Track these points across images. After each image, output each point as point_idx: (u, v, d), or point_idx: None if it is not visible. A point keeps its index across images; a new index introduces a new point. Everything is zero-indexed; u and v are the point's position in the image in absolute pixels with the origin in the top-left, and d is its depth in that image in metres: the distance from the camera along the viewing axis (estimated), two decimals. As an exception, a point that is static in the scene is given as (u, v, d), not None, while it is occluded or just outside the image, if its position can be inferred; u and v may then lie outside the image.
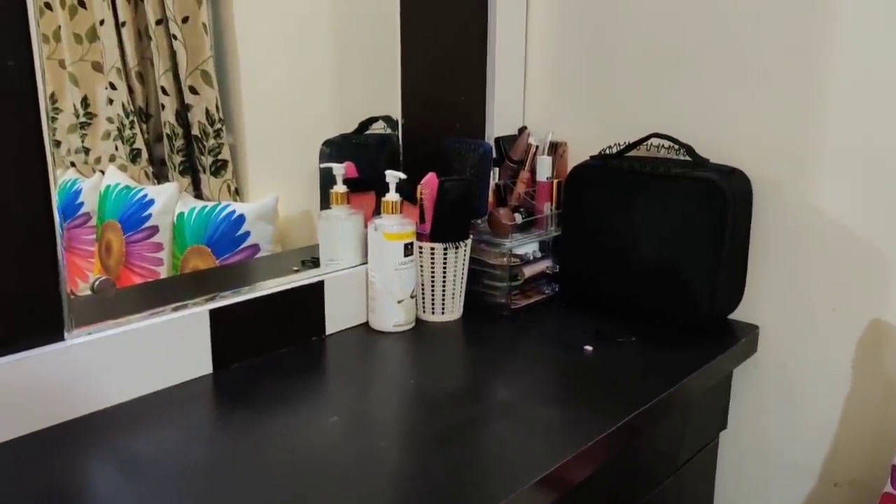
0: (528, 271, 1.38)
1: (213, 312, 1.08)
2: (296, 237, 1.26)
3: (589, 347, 1.20)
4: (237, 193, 1.17)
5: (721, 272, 1.23)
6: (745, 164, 1.28)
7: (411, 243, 1.24)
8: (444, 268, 1.29)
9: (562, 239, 1.40)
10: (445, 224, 1.27)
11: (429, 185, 1.26)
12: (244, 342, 1.13)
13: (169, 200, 1.11)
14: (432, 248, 1.28)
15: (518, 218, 1.37)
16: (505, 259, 1.33)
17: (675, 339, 1.24)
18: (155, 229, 1.11)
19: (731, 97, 1.29)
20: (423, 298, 1.31)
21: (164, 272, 1.12)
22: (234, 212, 1.17)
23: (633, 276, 1.30)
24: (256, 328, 1.14)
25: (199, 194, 1.14)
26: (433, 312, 1.31)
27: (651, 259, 1.27)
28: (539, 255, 1.40)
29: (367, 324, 1.29)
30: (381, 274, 1.25)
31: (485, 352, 1.21)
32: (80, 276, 1.01)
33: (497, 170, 1.44)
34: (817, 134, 1.22)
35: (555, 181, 1.42)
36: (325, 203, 1.28)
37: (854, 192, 1.20)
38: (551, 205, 1.42)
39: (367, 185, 1.32)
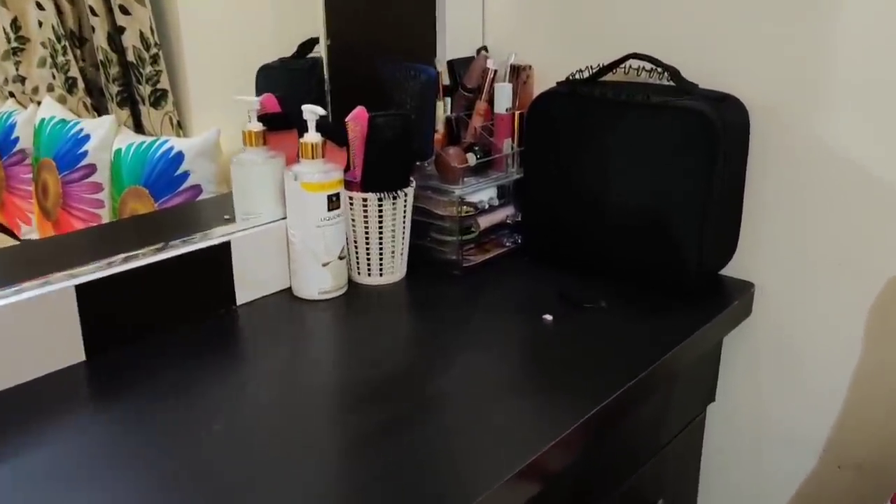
0: (485, 222, 1.17)
1: (80, 289, 0.87)
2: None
3: (548, 317, 1.00)
4: (180, 127, 1.05)
5: (710, 221, 1.02)
6: (740, 90, 1.06)
7: (337, 195, 1.03)
8: (380, 223, 1.08)
9: (525, 182, 1.18)
10: (378, 170, 1.05)
11: (356, 121, 1.04)
12: (125, 322, 0.93)
13: (106, 136, 1.00)
14: (364, 200, 1.06)
15: (472, 159, 1.15)
16: (455, 209, 1.12)
17: (656, 303, 1.04)
18: (92, 168, 1.00)
19: (725, 9, 1.06)
20: (357, 258, 1.11)
21: (105, 216, 1.02)
22: (171, 148, 1.03)
23: (607, 227, 1.09)
24: (142, 304, 0.94)
25: (140, 128, 1.03)
26: (369, 274, 1.11)
27: (628, 206, 1.06)
28: (498, 202, 1.19)
29: (290, 289, 1.09)
30: (301, 231, 1.04)
31: (428, 323, 1.01)
32: (23, 218, 0.95)
33: (449, 100, 1.21)
34: (830, 53, 0.99)
35: (516, 113, 1.19)
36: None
37: (873, 125, 0.98)
38: (512, 142, 1.20)
39: (290, 122, 1.10)
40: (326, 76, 1.11)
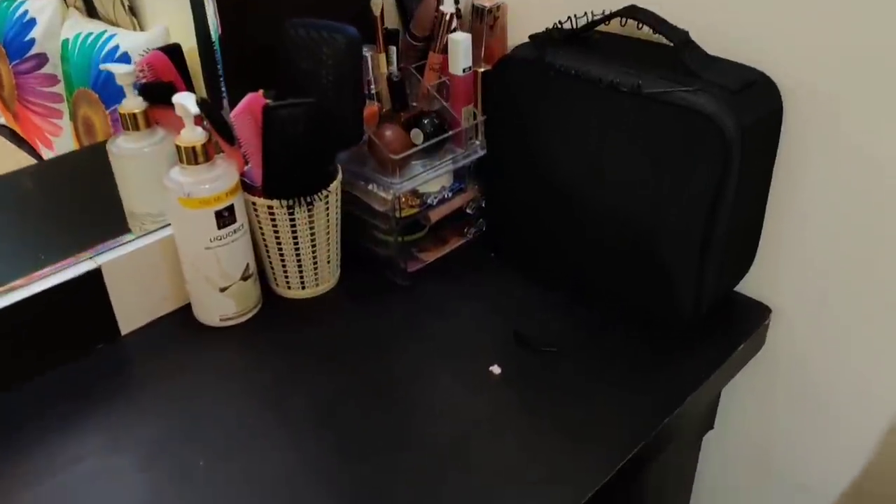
0: (438, 214, 0.94)
1: None
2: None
3: (496, 369, 0.79)
4: (133, 13, 0.88)
5: (712, 254, 0.77)
6: (773, 67, 0.77)
7: (230, 208, 0.80)
8: (294, 233, 0.85)
9: (489, 162, 0.93)
10: (283, 173, 0.82)
11: (247, 113, 0.79)
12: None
13: (51, 21, 0.87)
14: (270, 208, 0.84)
15: (417, 137, 0.90)
16: (393, 206, 0.88)
17: (639, 344, 0.82)
18: (43, 58, 0.88)
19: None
20: (272, 269, 0.90)
21: (65, 111, 0.89)
22: (116, 47, 0.87)
23: (586, 238, 0.85)
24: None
25: (93, 12, 0.88)
26: (288, 287, 0.90)
27: (612, 217, 0.81)
28: (454, 189, 0.94)
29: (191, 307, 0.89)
30: (189, 253, 0.83)
31: (348, 361, 0.81)
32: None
33: (394, 50, 0.94)
34: (908, 23, 0.69)
35: (480, 70, 0.92)
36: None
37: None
38: (474, 110, 0.93)
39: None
40: (218, 52, 0.85)
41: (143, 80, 0.84)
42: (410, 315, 0.88)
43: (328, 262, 0.90)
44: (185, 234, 0.81)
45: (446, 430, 0.73)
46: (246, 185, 0.83)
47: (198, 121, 0.78)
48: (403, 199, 0.89)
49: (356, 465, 0.70)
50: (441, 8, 0.90)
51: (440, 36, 0.91)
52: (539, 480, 0.68)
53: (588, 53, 0.80)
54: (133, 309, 0.85)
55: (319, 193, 0.83)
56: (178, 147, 0.78)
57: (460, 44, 0.88)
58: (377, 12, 0.89)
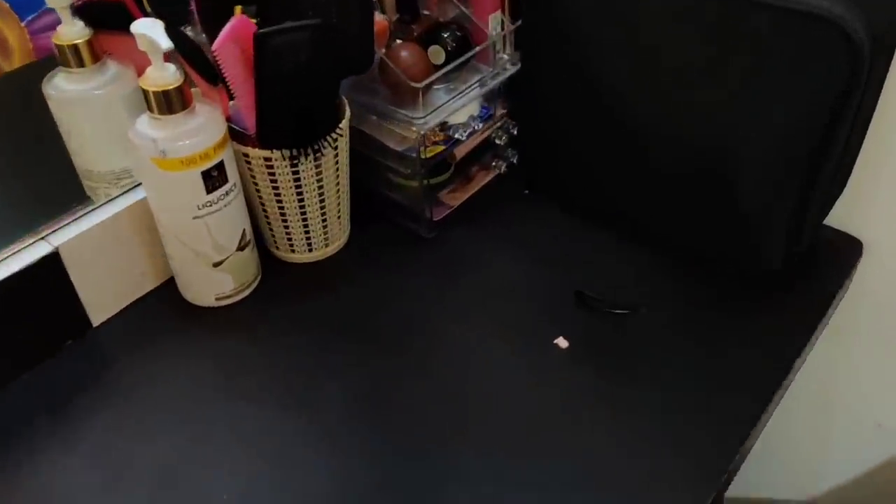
0: (464, 149, 0.78)
1: None
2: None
3: (563, 343, 0.66)
4: None
5: (818, 188, 0.64)
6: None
7: (220, 165, 0.63)
8: (298, 189, 0.69)
9: (521, 79, 0.77)
10: (281, 117, 0.64)
11: (231, 43, 0.60)
12: None
13: None
14: (267, 161, 0.66)
15: (438, 56, 0.73)
16: (414, 144, 0.72)
17: (723, 292, 0.70)
18: None
19: None
20: (271, 231, 0.73)
21: None
22: None
23: (647, 168, 0.70)
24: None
25: None
26: (292, 250, 0.74)
27: (683, 142, 0.67)
28: (483, 113, 0.78)
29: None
30: (171, 225, 0.66)
31: (380, 338, 0.67)
32: None
33: (400, -55, 0.75)
34: None
35: (509, -34, 0.74)
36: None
37: None
38: (503, 15, 0.76)
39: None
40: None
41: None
42: (443, 273, 0.73)
43: (338, 216, 0.74)
44: (164, 202, 0.64)
45: (515, 419, 0.60)
46: (234, 132, 0.66)
47: (167, 56, 0.59)
48: (427, 136, 0.72)
49: (410, 469, 0.57)
50: None
51: (459, -76, 0.73)
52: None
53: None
54: (104, 294, 0.69)
55: (329, 138, 0.66)
56: (145, 92, 0.59)
57: (485, -65, 0.70)
58: None
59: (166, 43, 0.56)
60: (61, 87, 0.64)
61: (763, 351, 0.64)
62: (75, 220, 0.66)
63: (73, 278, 0.66)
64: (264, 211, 0.71)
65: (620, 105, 0.68)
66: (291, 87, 0.62)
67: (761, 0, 0.57)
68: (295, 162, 0.66)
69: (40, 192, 0.67)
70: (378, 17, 0.72)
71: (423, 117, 0.70)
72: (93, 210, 0.67)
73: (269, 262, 0.75)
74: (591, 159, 0.74)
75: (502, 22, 0.76)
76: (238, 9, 0.64)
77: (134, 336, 0.69)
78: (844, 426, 0.89)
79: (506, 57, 0.77)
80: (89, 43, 0.63)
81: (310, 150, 0.66)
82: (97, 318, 0.69)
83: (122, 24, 0.64)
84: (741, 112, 0.62)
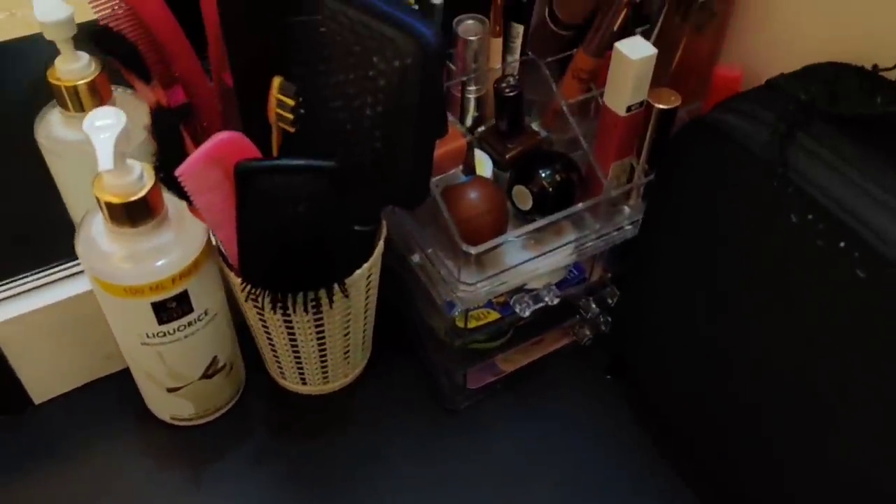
0: (532, 310, 0.59)
1: None
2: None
3: None
4: None
5: None
6: None
7: (181, 296, 0.49)
8: (291, 333, 0.53)
9: (640, 250, 0.55)
10: (268, 265, 0.48)
11: (211, 165, 0.44)
12: None
13: None
14: (253, 295, 0.51)
15: (524, 200, 0.53)
16: (451, 321, 0.53)
17: None
18: None
19: None
20: (261, 350, 0.59)
21: None
22: None
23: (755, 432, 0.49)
24: None
25: None
26: (283, 376, 0.60)
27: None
28: (573, 278, 0.58)
29: (145, 374, 0.60)
30: (121, 340, 0.53)
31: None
32: None
33: (521, 32, 0.54)
34: None
35: (659, 108, 0.52)
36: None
37: None
38: (633, 162, 0.54)
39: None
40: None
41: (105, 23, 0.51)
42: (456, 469, 0.56)
43: (346, 358, 0.58)
44: (109, 317, 0.51)
45: None
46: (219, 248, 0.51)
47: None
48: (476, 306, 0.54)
49: None
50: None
51: (601, 31, 0.51)
52: None
53: (870, 165, 0.39)
54: (55, 371, 0.58)
55: (334, 288, 0.50)
56: (97, 199, 0.45)
57: (631, 66, 0.48)
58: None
59: (107, 165, 0.41)
60: (55, 133, 0.51)
61: None
62: (37, 288, 0.55)
63: (11, 361, 0.55)
64: (252, 330, 0.57)
65: (759, 358, 0.47)
66: (286, 237, 0.46)
67: None
68: (285, 310, 0.50)
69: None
70: (456, 129, 0.53)
71: (473, 284, 0.51)
72: (69, 276, 0.55)
73: (259, 376, 0.61)
74: (698, 378, 0.53)
75: (631, 168, 0.54)
76: (277, 81, 0.48)
77: (72, 425, 0.58)
78: None
79: (626, 212, 0.56)
80: (93, 84, 0.50)
81: (306, 300, 0.49)
82: (44, 394, 0.58)
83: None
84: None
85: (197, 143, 0.53)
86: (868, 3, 0.47)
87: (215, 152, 0.43)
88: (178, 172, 0.42)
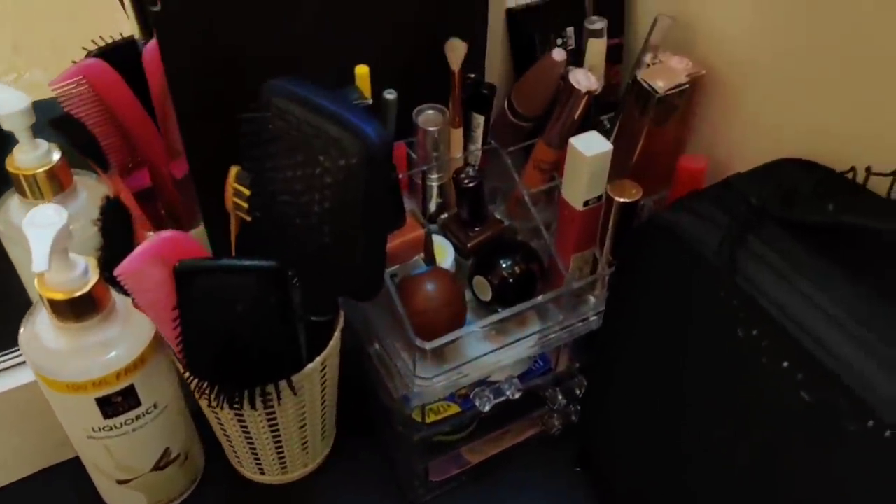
0: (492, 404, 0.57)
1: None
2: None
3: None
4: None
5: None
6: None
7: (127, 391, 0.48)
8: (244, 427, 0.52)
9: (604, 342, 0.54)
10: (212, 361, 0.47)
11: (154, 262, 0.43)
12: None
13: None
14: (203, 388, 0.50)
15: (483, 291, 0.52)
16: (408, 416, 0.52)
17: None
18: None
19: None
20: (222, 443, 0.58)
21: None
22: None
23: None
24: None
25: None
26: (240, 464, 0.58)
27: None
28: (537, 369, 0.57)
29: (102, 460, 0.59)
30: (71, 434, 0.52)
31: None
32: None
33: (481, 122, 0.54)
34: None
35: (621, 202, 0.51)
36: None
37: None
38: (597, 254, 0.53)
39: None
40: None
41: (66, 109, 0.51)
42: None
43: (304, 448, 0.57)
44: (55, 409, 0.50)
45: None
46: (172, 341, 0.50)
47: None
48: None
49: None
50: (570, 78, 0.49)
51: (560, 122, 0.50)
52: None
53: (832, 278, 0.38)
54: (9, 456, 0.57)
55: (284, 384, 0.49)
56: (40, 295, 0.44)
57: (585, 162, 0.47)
58: (454, 65, 0.49)
59: (39, 265, 0.40)
60: (14, 220, 0.51)
61: None
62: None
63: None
64: (208, 421, 0.55)
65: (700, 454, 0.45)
66: (229, 335, 0.45)
67: None
68: (236, 406, 0.49)
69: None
70: (414, 219, 0.53)
71: (430, 379, 0.50)
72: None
73: (218, 464, 0.59)
74: (659, 473, 0.50)
75: (594, 261, 0.53)
76: (234, 170, 0.48)
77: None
78: None
79: (592, 302, 0.55)
80: (52, 171, 0.50)
81: (257, 396, 0.48)
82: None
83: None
84: None
85: (160, 228, 0.53)
86: (831, 98, 0.46)
87: (156, 252, 0.42)
88: (116, 272, 0.42)
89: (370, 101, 0.49)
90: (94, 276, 0.45)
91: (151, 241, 0.42)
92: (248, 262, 0.42)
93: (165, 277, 0.43)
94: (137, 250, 0.42)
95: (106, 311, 0.46)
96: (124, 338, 0.47)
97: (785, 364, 0.34)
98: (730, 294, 0.37)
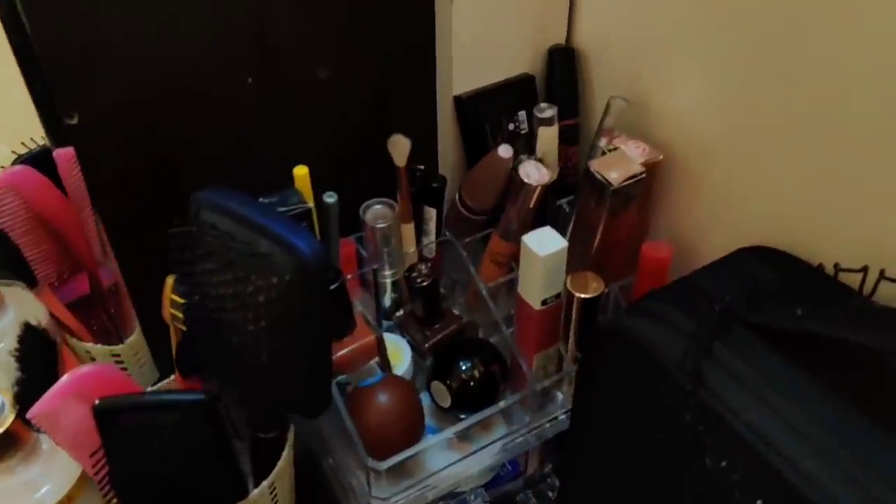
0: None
1: None
2: None
3: None
4: None
5: None
6: None
7: (53, 533, 0.44)
8: (184, 556, 0.48)
9: (573, 443, 0.50)
10: (139, 492, 0.43)
11: (71, 399, 0.40)
12: None
13: None
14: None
15: (442, 397, 0.48)
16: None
17: None
18: None
19: None
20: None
21: None
22: None
23: None
24: None
25: None
26: None
27: None
28: (504, 473, 0.53)
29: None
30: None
31: None
32: None
33: (433, 215, 0.51)
34: None
35: (581, 298, 0.48)
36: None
37: None
38: (562, 351, 0.50)
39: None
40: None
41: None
42: None
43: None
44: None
45: None
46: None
47: None
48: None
49: None
50: (521, 171, 0.46)
51: (511, 216, 0.48)
52: None
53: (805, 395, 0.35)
54: None
55: (229, 511, 0.45)
56: (-51, 433, 0.41)
57: (539, 262, 0.44)
58: (399, 160, 0.46)
59: None
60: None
61: None
62: None
63: None
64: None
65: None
66: (160, 469, 0.41)
67: None
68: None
69: None
70: (365, 325, 0.49)
71: (386, 499, 0.46)
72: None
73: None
74: None
75: (559, 358, 0.50)
76: (170, 280, 0.45)
77: None
78: None
79: (560, 399, 0.51)
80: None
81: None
82: None
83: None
84: None
85: (103, 337, 0.49)
86: (795, 175, 0.43)
87: (74, 389, 0.39)
88: (29, 415, 0.38)
89: (310, 206, 0.46)
90: (11, 414, 0.41)
91: (68, 379, 0.39)
92: (173, 396, 0.39)
93: (86, 414, 0.40)
94: (52, 389, 0.38)
95: (27, 448, 0.42)
96: (49, 477, 0.43)
97: (759, 503, 0.31)
98: (696, 418, 0.34)
